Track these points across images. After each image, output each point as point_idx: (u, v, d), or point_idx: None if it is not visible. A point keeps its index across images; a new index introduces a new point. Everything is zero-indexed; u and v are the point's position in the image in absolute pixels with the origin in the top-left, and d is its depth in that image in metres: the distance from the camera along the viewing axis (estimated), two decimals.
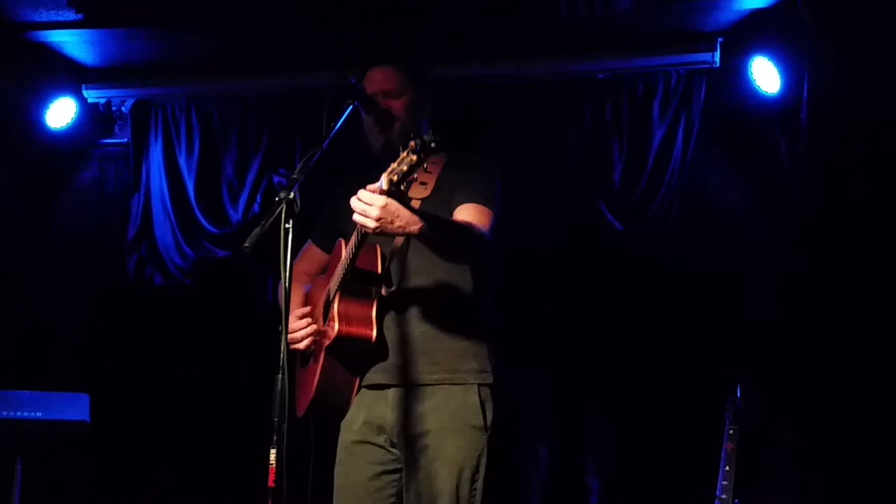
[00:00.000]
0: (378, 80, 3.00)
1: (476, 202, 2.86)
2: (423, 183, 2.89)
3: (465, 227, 2.77)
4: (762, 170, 4.43)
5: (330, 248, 3.10)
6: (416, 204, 2.85)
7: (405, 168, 2.45)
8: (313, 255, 3.20)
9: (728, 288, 4.36)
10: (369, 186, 2.56)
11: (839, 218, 4.08)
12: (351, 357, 2.87)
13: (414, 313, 2.87)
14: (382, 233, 2.58)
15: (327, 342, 2.84)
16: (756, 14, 4.24)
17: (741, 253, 4.43)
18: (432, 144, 2.40)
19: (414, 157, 2.42)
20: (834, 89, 4.07)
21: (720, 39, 4.36)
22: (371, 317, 2.81)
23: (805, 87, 4.17)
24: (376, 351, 2.84)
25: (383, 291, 2.84)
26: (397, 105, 2.97)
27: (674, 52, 4.43)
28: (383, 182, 2.50)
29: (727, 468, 3.80)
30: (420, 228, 2.61)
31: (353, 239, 2.74)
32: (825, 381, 4.01)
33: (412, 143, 2.42)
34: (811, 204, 4.19)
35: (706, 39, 4.38)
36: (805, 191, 4.23)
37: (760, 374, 4.13)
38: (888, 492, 3.85)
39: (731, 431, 3.87)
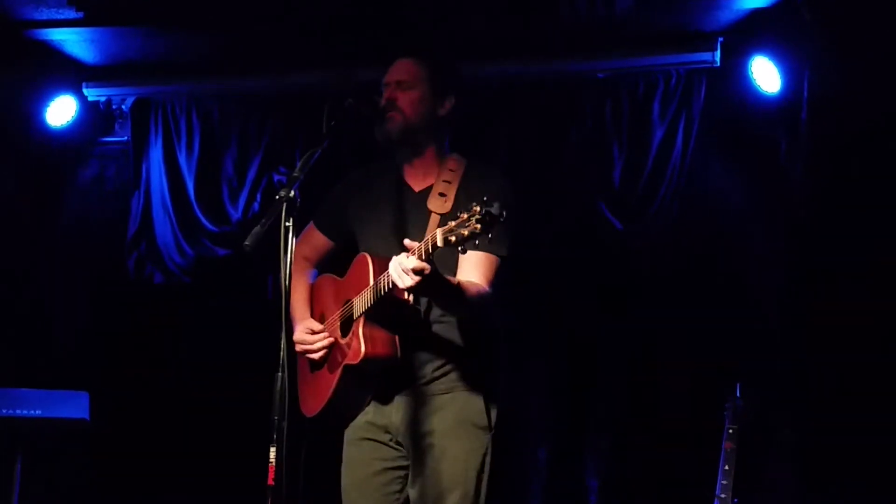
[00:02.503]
0: (395, 70, 2.99)
1: (485, 250, 2.81)
2: (442, 195, 2.88)
3: (471, 301, 2.76)
4: (762, 169, 4.43)
5: (334, 236, 3.12)
6: (435, 218, 2.86)
7: (465, 233, 2.40)
8: (315, 240, 3.18)
9: (728, 287, 4.36)
10: (408, 244, 2.56)
11: (840, 217, 4.08)
12: (372, 373, 2.89)
13: (426, 327, 2.88)
14: (408, 292, 2.64)
15: (349, 361, 2.84)
16: (756, 13, 4.23)
17: (741, 252, 4.43)
18: (501, 219, 2.37)
19: (478, 227, 2.38)
20: (834, 89, 4.07)
21: (720, 39, 4.36)
22: (395, 340, 2.82)
23: (805, 86, 4.16)
24: (396, 367, 2.86)
25: (409, 318, 2.85)
26: (404, 97, 2.94)
27: (674, 52, 4.42)
28: (438, 238, 2.46)
29: (726, 468, 3.80)
30: (436, 297, 2.74)
31: (385, 280, 2.70)
32: (825, 380, 4.02)
33: (478, 210, 2.38)
34: (812, 203, 4.19)
35: (706, 39, 4.37)
36: (805, 190, 4.23)
37: (760, 373, 4.13)
38: (887, 492, 3.85)
39: (730, 431, 3.87)
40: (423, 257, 2.52)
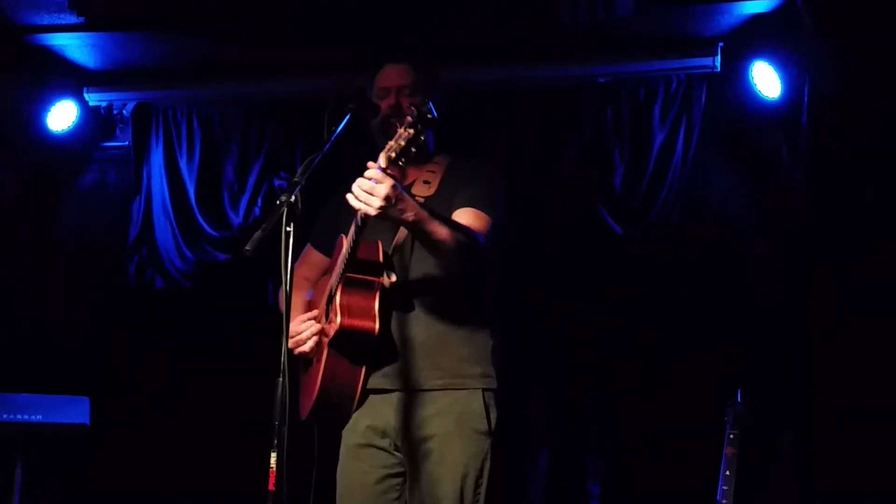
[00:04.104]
0: (394, 76, 3.01)
1: (475, 206, 2.85)
2: (426, 182, 2.91)
3: (459, 229, 2.74)
4: (763, 174, 4.43)
5: (330, 251, 3.09)
6: (419, 201, 2.86)
7: (403, 143, 2.44)
8: (314, 259, 3.19)
9: (729, 292, 4.36)
10: (370, 164, 2.53)
11: (841, 222, 4.09)
12: (354, 352, 2.83)
13: (418, 315, 2.86)
14: (381, 216, 2.55)
15: (329, 335, 2.81)
16: (757, 19, 4.24)
17: (742, 257, 4.43)
18: (428, 115, 2.39)
19: (411, 131, 2.41)
20: (835, 93, 4.08)
21: (721, 44, 4.36)
22: (373, 309, 2.77)
23: (806, 91, 4.17)
24: (379, 347, 2.81)
25: (385, 283, 2.80)
26: (408, 103, 2.93)
27: (675, 57, 4.43)
28: (381, 160, 2.49)
29: (728, 473, 3.80)
30: (415, 217, 2.60)
31: (353, 230, 2.72)
32: (826, 385, 4.01)
33: (408, 117, 2.42)
34: (812, 208, 4.19)
35: (707, 44, 4.38)
36: (806, 195, 4.23)
37: (761, 378, 4.13)
38: (889, 497, 3.85)
39: (731, 436, 3.87)
40: (383, 167, 2.52)
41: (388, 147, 2.49)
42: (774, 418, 4.15)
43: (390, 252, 2.86)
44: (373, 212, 2.52)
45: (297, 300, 3.09)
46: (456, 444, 2.82)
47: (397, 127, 2.47)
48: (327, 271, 3.08)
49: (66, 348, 4.95)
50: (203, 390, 4.71)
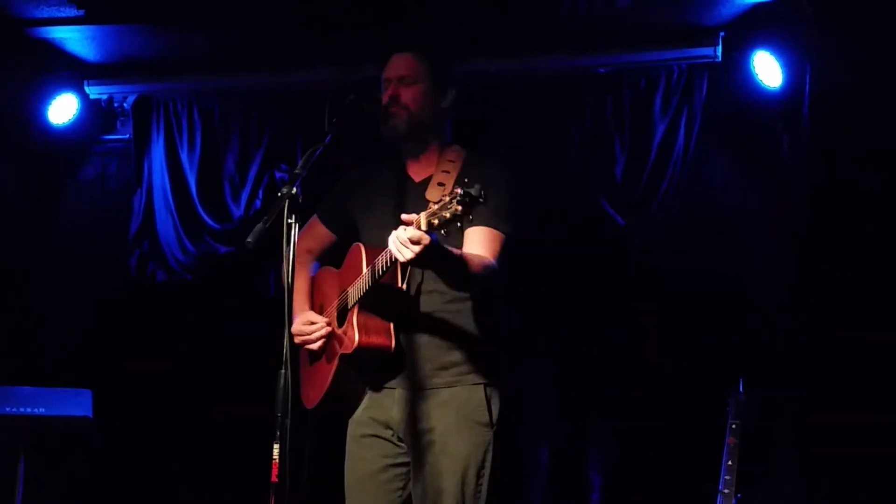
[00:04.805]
0: (395, 66, 2.99)
1: (488, 225, 2.84)
2: (441, 184, 2.88)
3: (475, 271, 2.74)
4: (764, 164, 4.42)
5: (336, 229, 3.13)
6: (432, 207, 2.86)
7: (447, 216, 2.43)
8: (318, 232, 3.19)
9: (731, 283, 4.35)
10: (407, 217, 2.50)
11: (842, 213, 4.08)
12: (367, 363, 2.90)
13: (424, 318, 2.88)
14: (410, 265, 2.63)
15: (344, 350, 2.87)
16: (758, 8, 4.23)
17: (743, 247, 4.43)
18: (480, 200, 2.39)
19: (459, 208, 2.41)
20: (836, 83, 4.07)
21: (722, 33, 4.35)
22: (390, 329, 2.83)
23: (807, 81, 4.16)
24: (392, 357, 2.87)
25: (403, 305, 2.85)
26: (408, 93, 2.94)
27: (676, 47, 4.42)
28: (422, 222, 2.48)
29: (729, 463, 3.81)
30: (438, 269, 2.68)
31: (383, 260, 2.71)
32: (827, 376, 4.01)
33: (458, 191, 2.40)
34: (813, 199, 4.18)
35: (708, 34, 4.37)
36: (807, 186, 4.22)
37: (763, 368, 4.13)
38: (889, 488, 3.85)
39: (733, 426, 3.87)
40: (422, 229, 2.52)
41: (431, 210, 2.47)
42: (776, 409, 4.15)
43: (407, 273, 2.86)
44: (402, 260, 2.54)
45: (300, 277, 3.12)
46: (457, 436, 2.84)
47: (447, 197, 2.45)
48: (329, 247, 3.14)
49: (68, 341, 4.96)
50: (205, 382, 4.72)
